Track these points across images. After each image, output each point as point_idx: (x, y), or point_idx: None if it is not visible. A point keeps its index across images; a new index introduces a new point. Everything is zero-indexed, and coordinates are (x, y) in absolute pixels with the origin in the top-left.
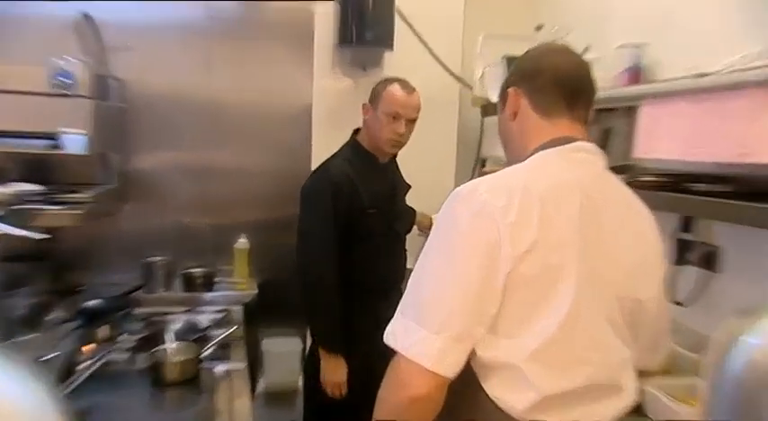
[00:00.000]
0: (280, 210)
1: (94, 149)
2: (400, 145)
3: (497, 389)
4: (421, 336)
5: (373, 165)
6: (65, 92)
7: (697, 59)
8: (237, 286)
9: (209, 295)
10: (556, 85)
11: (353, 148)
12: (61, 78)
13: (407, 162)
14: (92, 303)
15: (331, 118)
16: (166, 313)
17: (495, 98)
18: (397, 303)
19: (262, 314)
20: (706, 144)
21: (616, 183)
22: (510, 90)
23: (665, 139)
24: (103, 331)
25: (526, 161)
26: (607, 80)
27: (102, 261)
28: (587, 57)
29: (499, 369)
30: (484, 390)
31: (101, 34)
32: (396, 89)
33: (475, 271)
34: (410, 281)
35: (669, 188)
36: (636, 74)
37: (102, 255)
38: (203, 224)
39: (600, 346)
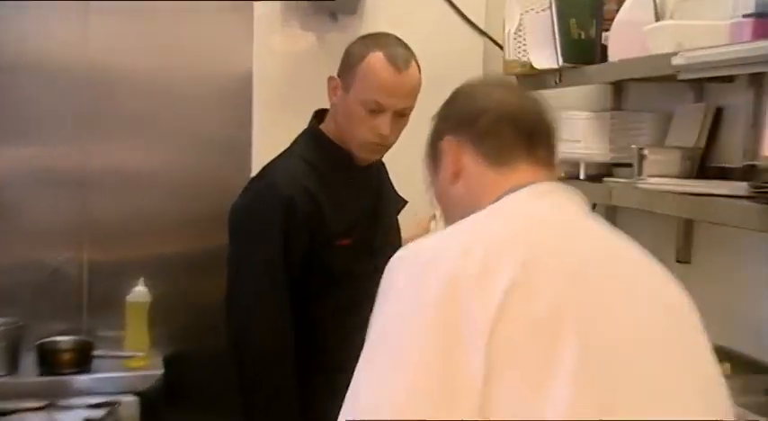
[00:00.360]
0: (200, 240)
1: None
2: (381, 149)
3: None
4: None
5: (346, 169)
6: None
7: None
8: (130, 363)
9: (81, 379)
10: (506, 124)
11: (315, 142)
12: None
13: (404, 158)
14: None
15: (282, 94)
16: (8, 411)
17: (538, 62)
18: None
19: (169, 408)
20: None
21: (608, 227)
22: (444, 142)
23: None
24: None
25: (478, 212)
26: (717, 32)
27: None
28: None
29: None
30: None
31: None
32: (379, 62)
33: (429, 354)
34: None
35: None
36: (766, 21)
37: None
38: (75, 264)
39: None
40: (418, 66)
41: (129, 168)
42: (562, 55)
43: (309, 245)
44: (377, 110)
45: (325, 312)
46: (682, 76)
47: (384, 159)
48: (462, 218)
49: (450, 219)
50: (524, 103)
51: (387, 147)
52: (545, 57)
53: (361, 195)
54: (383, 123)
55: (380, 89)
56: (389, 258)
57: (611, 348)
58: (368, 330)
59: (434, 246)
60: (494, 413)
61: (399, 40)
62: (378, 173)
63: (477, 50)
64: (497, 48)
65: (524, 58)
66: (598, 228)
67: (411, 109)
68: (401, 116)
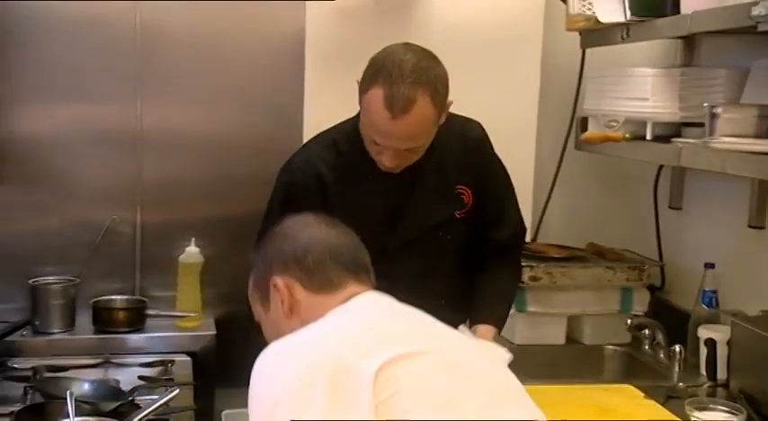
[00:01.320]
0: (252, 201)
1: None
2: (396, 169)
3: None
4: None
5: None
6: None
7: None
8: (183, 323)
9: (136, 338)
10: (330, 260)
11: (354, 130)
12: None
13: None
14: None
15: (335, 54)
16: (65, 368)
17: (604, 16)
18: None
19: (220, 368)
20: None
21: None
22: (276, 281)
23: None
24: None
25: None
26: None
27: None
28: None
29: None
30: None
31: None
32: (376, 102)
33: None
34: None
35: None
36: None
37: None
38: (129, 223)
39: None
40: (435, 100)
41: (182, 129)
42: (630, 7)
43: None
44: (377, 144)
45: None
46: (762, 28)
47: None
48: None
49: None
50: (341, 238)
51: (399, 168)
52: (611, 10)
53: (386, 193)
54: (385, 158)
55: (376, 131)
56: (406, 261)
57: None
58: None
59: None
60: None
61: (419, 61)
62: (422, 165)
63: (538, 4)
64: (560, 1)
65: (589, 12)
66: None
67: (420, 146)
68: (411, 151)
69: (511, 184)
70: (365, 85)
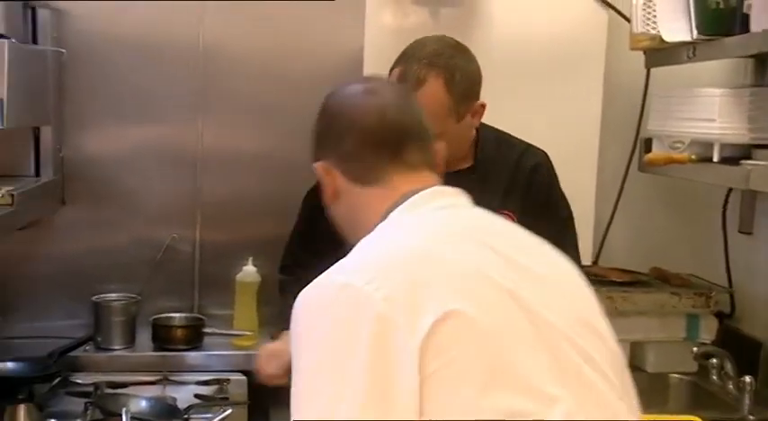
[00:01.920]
0: None
1: (13, 121)
2: None
3: None
4: None
5: None
6: None
7: None
8: (239, 342)
9: (193, 356)
10: (368, 145)
11: None
12: None
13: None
14: (5, 366)
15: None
16: (125, 384)
17: (670, 35)
18: None
19: (275, 388)
20: None
21: (500, 220)
22: (317, 167)
23: None
24: (21, 413)
25: (380, 229)
26: None
27: (25, 298)
28: None
29: None
30: None
31: None
32: (392, 79)
33: (358, 384)
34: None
35: None
36: None
37: (25, 290)
38: (188, 241)
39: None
40: (450, 86)
41: (241, 149)
42: (697, 26)
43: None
44: None
45: None
46: None
47: None
48: (351, 233)
49: (344, 233)
50: (384, 111)
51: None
52: (678, 28)
53: None
54: None
55: None
56: None
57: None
58: (297, 362)
59: (353, 281)
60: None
61: (443, 47)
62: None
63: (601, 23)
64: (624, 20)
65: (654, 31)
66: (493, 226)
67: (438, 133)
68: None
69: (569, 222)
70: (391, 69)
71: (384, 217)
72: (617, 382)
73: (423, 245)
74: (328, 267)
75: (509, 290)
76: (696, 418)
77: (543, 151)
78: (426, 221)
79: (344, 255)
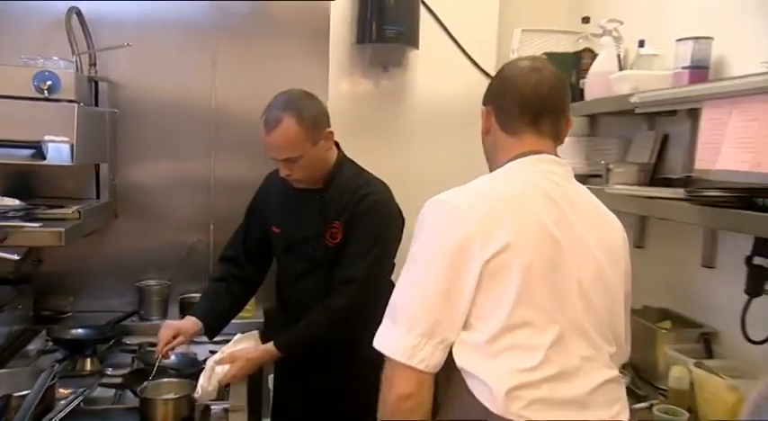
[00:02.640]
0: None
1: (81, 159)
2: (300, 182)
3: (473, 383)
4: (396, 335)
5: (290, 188)
6: (49, 96)
7: None
8: (242, 313)
9: None
10: (519, 106)
11: None
12: (46, 81)
13: (434, 174)
14: (76, 332)
15: (349, 124)
16: None
17: None
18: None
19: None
20: None
21: (583, 190)
22: (483, 108)
23: (733, 148)
24: (88, 364)
25: (492, 173)
26: (665, 79)
27: (88, 284)
28: (643, 52)
29: (474, 353)
30: (468, 388)
31: (90, 32)
32: (262, 129)
33: (440, 272)
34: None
35: (739, 205)
36: (699, 71)
37: (88, 278)
38: (205, 243)
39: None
40: (300, 122)
41: (242, 177)
42: None
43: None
44: (275, 159)
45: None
46: (638, 111)
47: None
48: (491, 163)
49: (487, 160)
50: (538, 87)
51: (302, 181)
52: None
53: (298, 204)
54: (281, 168)
55: (265, 146)
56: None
57: (556, 283)
58: (411, 245)
59: (459, 204)
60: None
61: (277, 109)
62: (314, 197)
63: None
64: None
65: None
66: (577, 191)
67: (299, 156)
68: (293, 162)
69: (372, 245)
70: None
71: (506, 163)
72: (606, 326)
73: (511, 191)
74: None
75: (555, 239)
76: None
77: (382, 184)
78: (524, 176)
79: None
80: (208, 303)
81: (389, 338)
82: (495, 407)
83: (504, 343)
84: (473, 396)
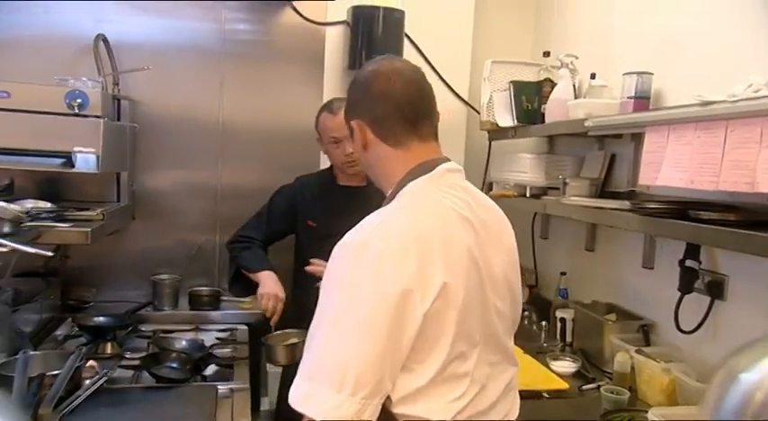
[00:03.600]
0: None
1: (105, 168)
2: (357, 164)
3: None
4: (337, 402)
5: (330, 185)
6: (78, 111)
7: (702, 88)
8: (243, 305)
9: (215, 314)
10: (397, 113)
11: (323, 171)
12: (76, 99)
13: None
14: (98, 320)
15: None
16: (172, 331)
17: (502, 122)
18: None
19: (265, 333)
20: (712, 173)
21: (478, 194)
22: (353, 123)
23: (670, 167)
24: (108, 348)
25: (400, 200)
26: (613, 107)
27: (109, 278)
28: (594, 83)
29: (412, 397)
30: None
31: (114, 56)
32: (325, 117)
33: (384, 327)
34: (310, 340)
35: (675, 216)
36: (642, 101)
37: (109, 272)
38: (211, 243)
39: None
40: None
41: (244, 184)
42: (516, 117)
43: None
44: (336, 141)
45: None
46: (590, 133)
47: None
48: (379, 178)
49: (371, 176)
50: (407, 89)
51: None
52: (506, 119)
53: (335, 201)
54: (345, 148)
55: (330, 129)
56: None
57: (485, 292)
58: (325, 295)
59: (386, 250)
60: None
61: (334, 99)
62: (357, 193)
63: (462, 113)
64: (475, 112)
65: (493, 120)
66: (481, 200)
67: (338, 139)
68: (335, 142)
69: None
70: (316, 121)
71: (404, 179)
72: (511, 325)
73: (434, 226)
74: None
75: (478, 265)
76: (515, 346)
77: None
78: (436, 202)
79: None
80: (264, 258)
81: (328, 406)
82: None
83: (440, 379)
84: None
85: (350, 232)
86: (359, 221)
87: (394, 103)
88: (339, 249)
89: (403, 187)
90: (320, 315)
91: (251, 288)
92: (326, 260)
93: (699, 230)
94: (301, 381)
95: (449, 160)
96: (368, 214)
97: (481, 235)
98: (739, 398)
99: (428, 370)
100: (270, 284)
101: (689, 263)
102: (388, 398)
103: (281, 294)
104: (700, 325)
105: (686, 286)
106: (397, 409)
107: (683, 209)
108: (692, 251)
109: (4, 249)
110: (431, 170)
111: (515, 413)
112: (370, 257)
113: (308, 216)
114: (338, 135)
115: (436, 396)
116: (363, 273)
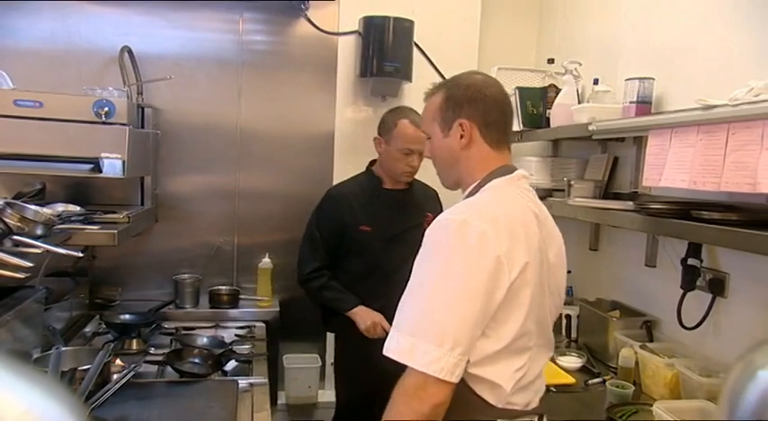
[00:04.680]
0: (301, 231)
1: (131, 173)
2: (414, 174)
3: (478, 386)
4: (438, 355)
5: (377, 189)
6: (105, 120)
7: (704, 92)
8: (260, 304)
9: (233, 312)
10: (503, 120)
11: (365, 175)
12: (103, 107)
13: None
14: (123, 317)
15: (352, 145)
16: (193, 328)
17: None
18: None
19: (282, 331)
20: (714, 174)
21: (540, 202)
22: (463, 122)
23: (672, 169)
24: (134, 344)
25: (487, 192)
26: (616, 111)
27: (134, 277)
28: (597, 88)
29: (488, 360)
30: (470, 389)
31: (138, 66)
32: (407, 126)
33: (478, 295)
34: (410, 301)
35: (678, 216)
36: (644, 105)
37: (134, 272)
38: (230, 244)
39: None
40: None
41: (261, 187)
42: (522, 122)
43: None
44: (410, 153)
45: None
46: (594, 137)
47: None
48: (455, 175)
49: (445, 172)
50: (507, 102)
51: (415, 173)
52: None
53: (385, 204)
54: (414, 160)
55: (411, 141)
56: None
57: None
58: (425, 264)
59: (486, 229)
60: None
61: (412, 110)
62: (405, 196)
63: None
64: None
65: None
66: (540, 212)
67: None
68: (420, 154)
69: None
70: (391, 125)
71: (489, 176)
72: (556, 314)
73: (517, 215)
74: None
75: (545, 257)
76: None
77: (434, 190)
78: (516, 198)
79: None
80: (346, 293)
81: (430, 358)
82: (500, 402)
83: (510, 349)
84: (476, 395)
85: (445, 213)
86: (410, 220)
87: (503, 111)
88: (438, 226)
89: (487, 183)
90: (420, 278)
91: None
92: (395, 258)
93: (701, 230)
94: (402, 336)
95: (521, 169)
96: (414, 214)
97: (543, 230)
98: (758, 395)
99: (503, 338)
100: (368, 316)
101: (691, 261)
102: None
103: (378, 317)
104: (702, 321)
105: (688, 284)
106: (472, 370)
107: (685, 209)
108: (694, 250)
109: (37, 251)
110: (510, 173)
111: (541, 394)
112: (472, 234)
113: (360, 222)
114: (414, 147)
115: (506, 363)
116: (465, 245)
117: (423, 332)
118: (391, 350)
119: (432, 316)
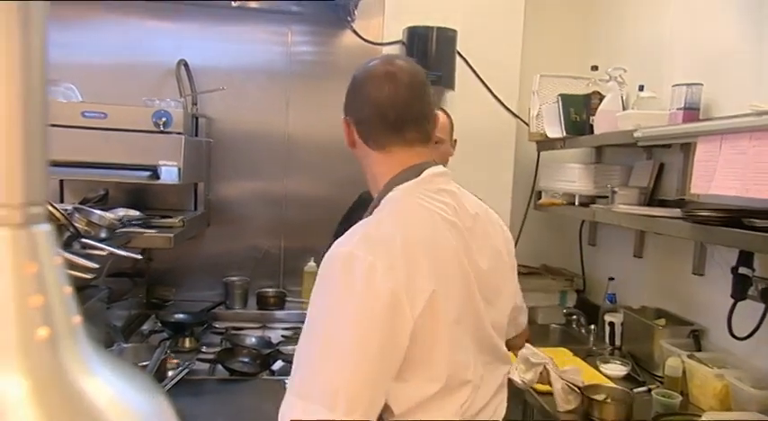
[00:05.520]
0: None
1: (186, 179)
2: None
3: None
4: None
5: None
6: (163, 129)
7: (753, 98)
8: (306, 306)
9: (280, 313)
10: (379, 119)
11: None
12: (161, 117)
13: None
14: (178, 316)
15: None
16: (242, 328)
17: (551, 133)
18: None
19: None
20: (766, 181)
21: (467, 196)
22: (343, 120)
23: (722, 176)
24: (187, 342)
25: (385, 208)
26: (662, 118)
27: (187, 279)
28: (643, 95)
29: (420, 408)
30: None
31: (194, 78)
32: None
33: (376, 345)
34: (301, 356)
35: (728, 223)
36: (691, 112)
37: (187, 274)
38: (277, 248)
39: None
40: (448, 115)
41: (307, 193)
42: (565, 129)
43: None
44: (436, 141)
45: None
46: (639, 144)
47: None
48: (368, 179)
49: (364, 171)
50: (396, 94)
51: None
52: (555, 130)
53: None
54: (445, 147)
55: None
56: None
57: (474, 297)
58: (315, 309)
59: (375, 261)
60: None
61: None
62: None
63: (512, 125)
64: (525, 124)
65: (542, 131)
66: (470, 203)
67: (442, 140)
68: (437, 142)
69: None
70: None
71: (390, 183)
72: (502, 326)
73: (420, 235)
74: None
75: (466, 271)
76: (564, 349)
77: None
78: (422, 208)
79: None
80: None
81: None
82: None
83: (450, 387)
84: None
85: (337, 241)
86: None
87: (378, 108)
88: (327, 258)
89: (388, 192)
90: (310, 329)
91: None
92: None
93: (753, 238)
94: (294, 399)
95: (436, 164)
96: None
97: (468, 238)
98: None
99: (436, 378)
100: None
101: (742, 270)
102: (390, 410)
103: None
104: (754, 331)
105: (740, 293)
106: (410, 418)
107: (735, 216)
108: (746, 258)
109: (102, 253)
110: (417, 175)
111: (503, 411)
112: (359, 268)
113: None
114: (439, 135)
115: (449, 400)
116: (352, 283)
117: (313, 393)
118: (282, 414)
119: (321, 372)
